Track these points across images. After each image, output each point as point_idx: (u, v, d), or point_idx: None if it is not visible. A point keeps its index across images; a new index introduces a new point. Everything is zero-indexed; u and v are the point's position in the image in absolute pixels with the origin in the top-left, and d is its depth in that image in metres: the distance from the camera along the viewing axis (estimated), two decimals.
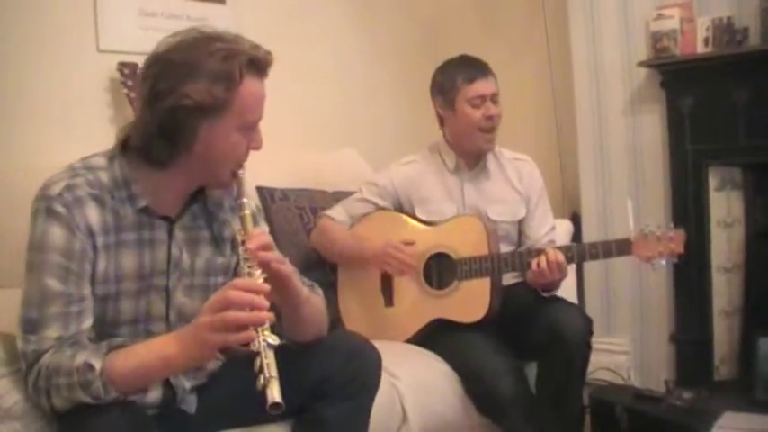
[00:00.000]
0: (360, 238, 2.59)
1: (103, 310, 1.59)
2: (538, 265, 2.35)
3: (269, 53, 1.60)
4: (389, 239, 2.52)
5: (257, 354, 1.41)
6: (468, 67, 2.56)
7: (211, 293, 1.66)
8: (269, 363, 1.40)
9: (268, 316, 1.44)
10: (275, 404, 1.38)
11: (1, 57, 2.45)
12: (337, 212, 2.64)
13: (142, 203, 1.59)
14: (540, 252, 2.39)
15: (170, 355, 1.47)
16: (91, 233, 1.54)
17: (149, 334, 1.62)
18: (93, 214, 1.55)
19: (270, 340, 1.42)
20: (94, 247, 1.55)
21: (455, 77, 2.55)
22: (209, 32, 1.58)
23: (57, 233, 1.51)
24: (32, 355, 1.49)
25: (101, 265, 1.56)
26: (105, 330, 1.60)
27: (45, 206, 1.52)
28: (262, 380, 1.39)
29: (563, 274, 2.39)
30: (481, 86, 2.53)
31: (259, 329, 1.42)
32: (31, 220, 1.54)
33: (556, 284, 2.46)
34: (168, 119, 1.52)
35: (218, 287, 1.68)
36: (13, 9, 2.48)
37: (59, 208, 1.51)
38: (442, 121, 2.64)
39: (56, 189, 1.53)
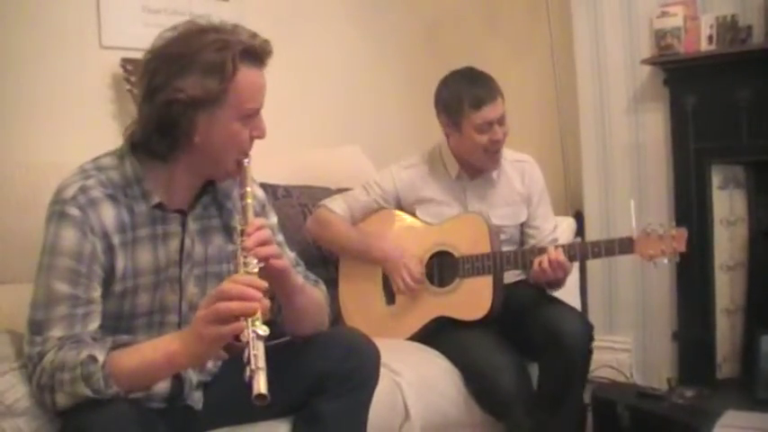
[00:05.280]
0: (366, 235, 2.58)
1: (121, 305, 1.60)
2: (540, 264, 2.36)
3: (266, 42, 1.60)
4: (408, 259, 2.50)
5: (246, 344, 1.41)
6: (474, 88, 2.47)
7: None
8: (257, 354, 1.40)
9: (260, 306, 1.44)
10: (260, 395, 1.38)
11: (3, 53, 2.44)
12: (338, 205, 2.61)
13: (156, 200, 1.61)
14: (542, 251, 2.39)
15: (173, 352, 1.47)
16: (105, 234, 1.55)
17: (163, 325, 1.64)
18: (108, 214, 1.56)
19: (260, 331, 1.42)
20: (110, 248, 1.56)
21: (461, 100, 2.47)
22: (205, 24, 1.58)
23: (68, 236, 1.52)
24: (36, 357, 1.50)
25: (119, 264, 1.58)
26: (122, 324, 1.61)
27: (59, 210, 1.53)
28: (248, 371, 1.39)
29: (565, 273, 2.40)
30: (488, 112, 2.45)
31: (249, 320, 1.42)
32: (45, 224, 1.56)
33: (560, 282, 2.47)
34: (165, 113, 1.53)
35: (231, 274, 1.70)
36: (16, 5, 2.48)
37: (73, 210, 1.52)
38: (447, 135, 2.60)
39: (69, 192, 1.54)
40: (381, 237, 2.57)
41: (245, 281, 1.46)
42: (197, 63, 1.52)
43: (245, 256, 1.52)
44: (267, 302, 1.46)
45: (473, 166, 2.59)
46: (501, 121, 2.49)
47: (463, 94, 2.48)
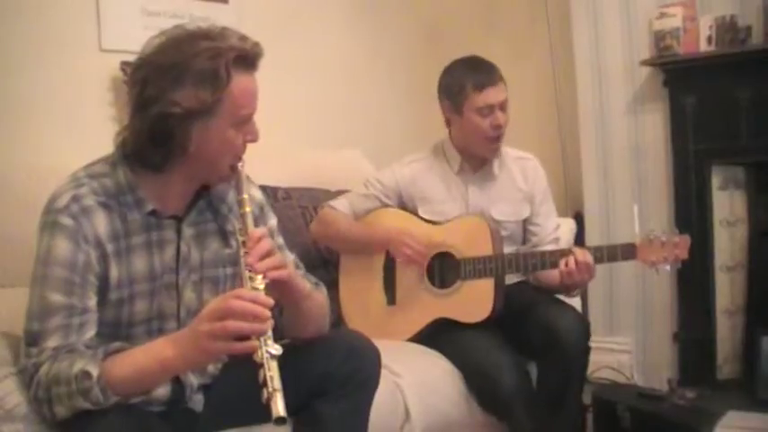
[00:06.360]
0: (367, 224, 2.58)
1: (119, 313, 1.59)
2: (566, 264, 2.33)
3: (257, 44, 1.58)
4: (404, 228, 2.50)
5: (260, 366, 1.40)
6: (477, 73, 2.49)
7: (221, 285, 1.68)
8: (272, 375, 1.39)
9: (270, 325, 1.43)
10: (280, 418, 1.37)
11: (3, 56, 2.45)
12: (341, 204, 2.62)
13: (149, 208, 1.59)
14: (565, 253, 2.37)
15: (166, 359, 1.46)
16: (99, 243, 1.54)
17: (162, 332, 1.62)
18: (101, 222, 1.55)
19: (273, 351, 1.41)
20: (104, 256, 1.55)
21: (464, 83, 2.49)
22: (194, 30, 1.55)
23: (61, 246, 1.51)
24: (32, 369, 1.49)
25: (113, 272, 1.56)
26: (121, 332, 1.60)
27: (52, 220, 1.52)
28: (266, 393, 1.38)
29: (591, 275, 2.37)
30: (490, 95, 2.47)
31: (262, 339, 1.41)
32: (38, 234, 1.54)
33: (584, 285, 2.46)
34: (159, 125, 1.51)
35: (228, 278, 1.70)
36: (16, 8, 2.48)
37: (66, 220, 1.51)
38: (448, 122, 2.61)
39: (62, 201, 1.53)
40: (382, 223, 2.57)
41: (253, 297, 1.44)
42: (190, 73, 1.49)
43: (250, 271, 1.50)
44: (272, 322, 1.44)
45: (474, 156, 2.59)
46: (503, 107, 2.50)
47: (466, 79, 2.49)
